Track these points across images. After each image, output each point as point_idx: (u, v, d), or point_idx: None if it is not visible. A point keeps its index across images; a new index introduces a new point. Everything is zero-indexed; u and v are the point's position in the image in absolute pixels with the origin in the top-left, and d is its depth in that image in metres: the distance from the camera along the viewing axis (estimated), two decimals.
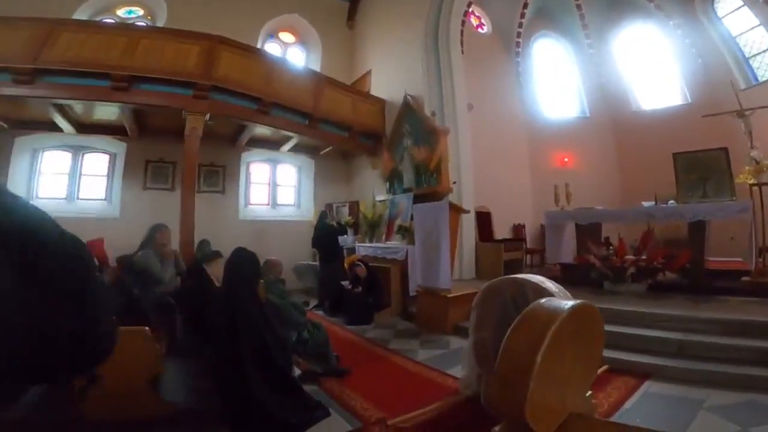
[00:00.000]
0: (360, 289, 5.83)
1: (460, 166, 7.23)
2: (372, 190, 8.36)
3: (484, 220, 8.07)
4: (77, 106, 6.34)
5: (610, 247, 5.53)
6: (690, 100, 9.08)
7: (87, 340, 0.60)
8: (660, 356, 3.33)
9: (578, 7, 10.27)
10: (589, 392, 2.34)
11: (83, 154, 7.57)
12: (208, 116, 6.09)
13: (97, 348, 0.64)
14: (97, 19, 7.68)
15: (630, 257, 5.18)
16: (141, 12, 8.43)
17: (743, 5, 8.21)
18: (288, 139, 8.30)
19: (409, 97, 7.56)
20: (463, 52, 8.01)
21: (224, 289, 2.89)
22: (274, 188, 9.48)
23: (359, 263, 6.06)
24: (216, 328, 2.69)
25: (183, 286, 3.99)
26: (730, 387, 2.79)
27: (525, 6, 10.13)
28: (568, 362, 1.71)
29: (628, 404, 2.69)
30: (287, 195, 9.67)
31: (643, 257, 5.09)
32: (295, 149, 9.04)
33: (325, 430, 2.49)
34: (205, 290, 3.42)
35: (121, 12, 8.28)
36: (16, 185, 6.73)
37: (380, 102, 8.85)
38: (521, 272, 6.57)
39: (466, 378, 2.61)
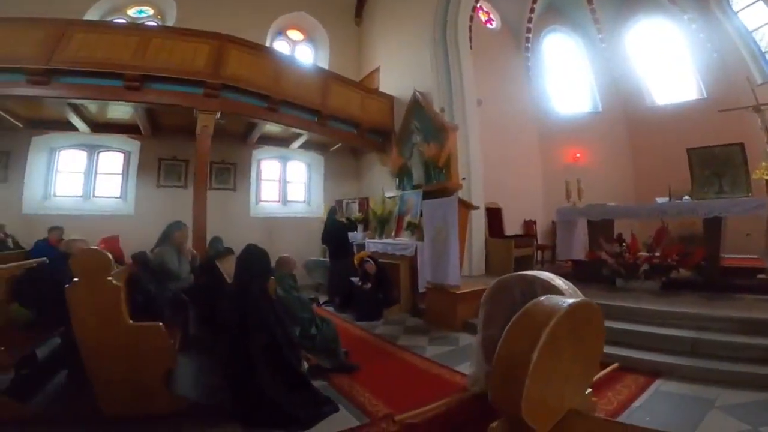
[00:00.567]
0: (369, 285, 5.86)
1: (469, 162, 7.21)
2: (381, 186, 8.36)
3: (494, 216, 8.03)
4: (91, 106, 6.46)
5: (623, 244, 5.45)
6: (706, 95, 8.88)
7: None
8: (672, 354, 3.29)
9: (589, 1, 10.11)
10: (590, 389, 2.34)
11: (98, 153, 7.71)
12: (218, 114, 6.15)
13: None
14: (109, 19, 7.80)
15: (643, 254, 5.10)
16: (151, 11, 8.53)
17: None
18: (298, 136, 8.34)
19: (417, 94, 7.54)
20: (471, 48, 7.94)
21: (235, 286, 2.93)
22: (285, 185, 9.54)
23: (369, 259, 6.09)
24: (227, 325, 2.73)
25: (196, 283, 4.05)
26: (743, 386, 2.75)
27: (534, 1, 9.99)
28: (567, 360, 1.71)
29: (637, 403, 2.66)
30: (297, 192, 9.73)
31: (657, 254, 5.01)
32: (305, 146, 9.08)
33: (334, 425, 2.51)
34: (217, 287, 3.48)
35: (132, 12, 8.39)
36: (33, 184, 6.91)
37: (389, 98, 8.84)
38: (532, 269, 6.55)
39: (474, 375, 2.61)
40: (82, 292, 2.45)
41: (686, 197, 5.95)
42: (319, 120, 7.58)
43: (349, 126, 8.22)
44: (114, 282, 2.52)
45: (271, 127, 7.73)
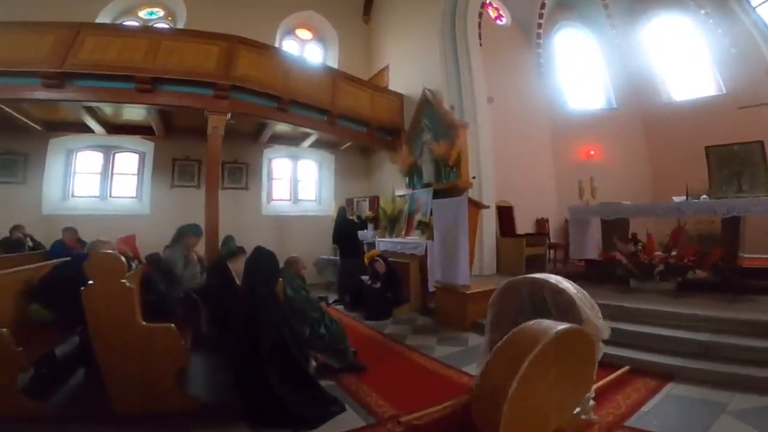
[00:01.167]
0: (379, 284, 5.87)
1: (480, 160, 7.15)
2: (392, 184, 8.34)
3: (505, 214, 7.94)
4: (106, 108, 6.59)
5: (638, 244, 5.34)
6: (725, 91, 8.62)
7: None
8: (685, 357, 3.21)
9: None
10: (592, 402, 2.32)
11: (114, 154, 7.90)
12: (229, 115, 6.21)
13: None
14: (120, 21, 7.96)
15: (659, 254, 4.99)
16: (162, 13, 8.66)
17: None
18: (308, 135, 8.37)
19: (427, 92, 7.47)
20: (481, 45, 7.85)
21: (244, 287, 2.97)
22: (296, 184, 9.62)
23: (378, 259, 6.09)
24: (236, 325, 2.78)
25: (208, 283, 4.12)
26: (757, 390, 2.67)
27: None
28: (552, 382, 1.73)
29: (646, 407, 2.61)
30: (308, 190, 9.80)
31: (673, 254, 4.89)
32: (315, 145, 9.12)
33: (341, 425, 2.53)
34: (227, 287, 3.53)
35: (143, 13, 8.53)
36: (52, 185, 7.10)
37: (398, 97, 8.81)
38: (544, 268, 6.50)
39: None
40: (97, 294, 2.51)
41: (704, 197, 5.78)
42: (329, 119, 7.60)
43: (359, 125, 8.22)
44: (127, 284, 2.58)
45: (282, 127, 7.77)
